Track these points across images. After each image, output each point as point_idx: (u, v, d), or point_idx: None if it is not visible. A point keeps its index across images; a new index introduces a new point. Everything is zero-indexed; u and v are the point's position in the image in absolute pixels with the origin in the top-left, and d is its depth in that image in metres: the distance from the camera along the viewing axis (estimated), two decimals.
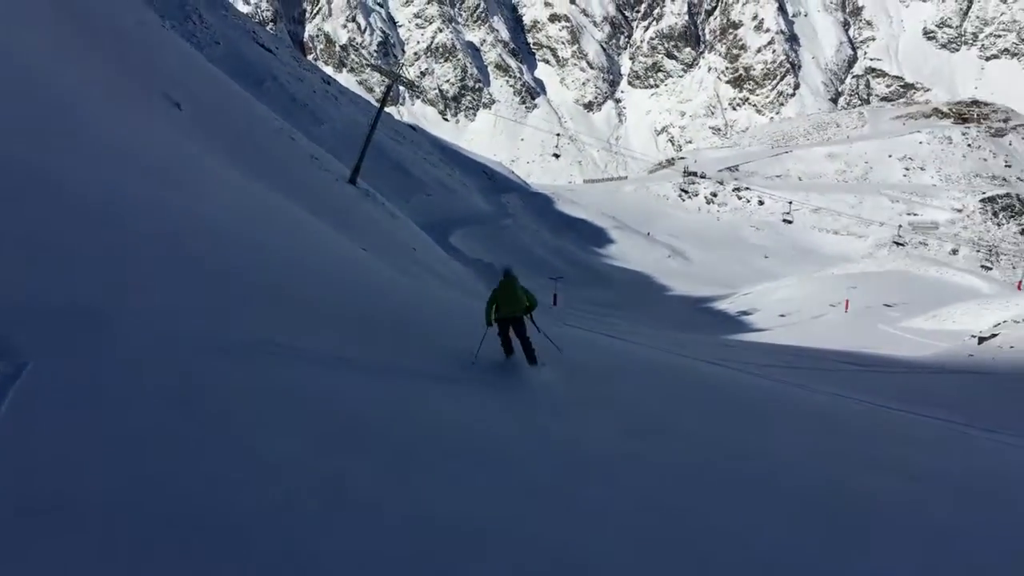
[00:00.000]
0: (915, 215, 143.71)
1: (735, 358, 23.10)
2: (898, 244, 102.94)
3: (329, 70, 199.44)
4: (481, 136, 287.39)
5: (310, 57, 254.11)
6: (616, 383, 12.44)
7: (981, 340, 31.71)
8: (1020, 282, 73.62)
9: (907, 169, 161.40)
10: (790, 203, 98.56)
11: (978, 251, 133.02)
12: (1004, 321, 33.21)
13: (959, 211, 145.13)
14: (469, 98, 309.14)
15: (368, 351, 8.79)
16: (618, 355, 16.66)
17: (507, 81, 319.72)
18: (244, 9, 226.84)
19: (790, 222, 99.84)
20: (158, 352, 5.67)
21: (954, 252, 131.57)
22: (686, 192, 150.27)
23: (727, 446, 8.97)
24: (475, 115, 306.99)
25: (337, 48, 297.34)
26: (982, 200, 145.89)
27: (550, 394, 9.45)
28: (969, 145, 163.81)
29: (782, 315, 56.83)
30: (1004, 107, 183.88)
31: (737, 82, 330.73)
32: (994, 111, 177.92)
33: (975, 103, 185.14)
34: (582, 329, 22.90)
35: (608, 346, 18.54)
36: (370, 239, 32.25)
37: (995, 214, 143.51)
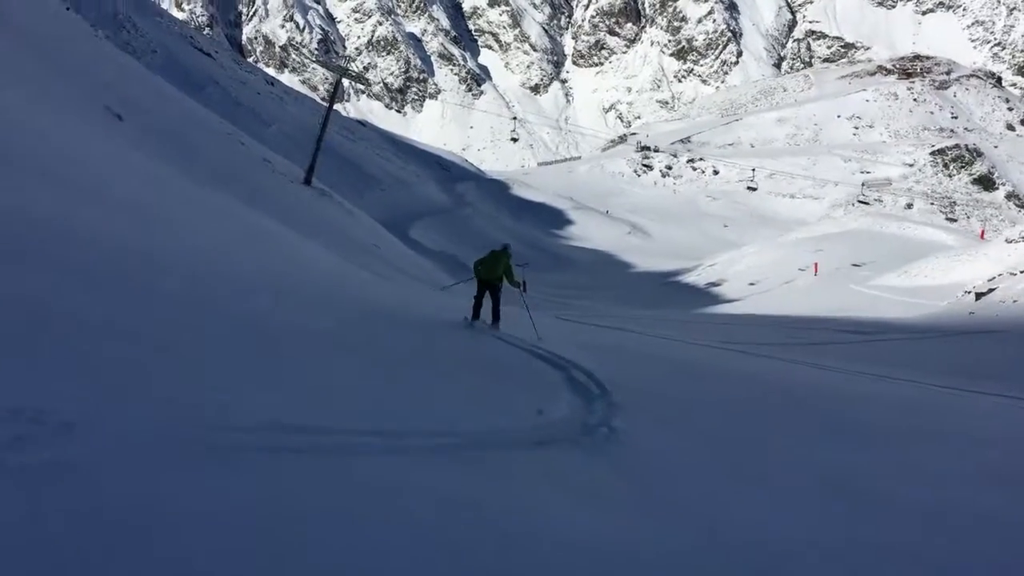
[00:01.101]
0: (868, 173, 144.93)
1: (740, 339, 21.91)
2: (863, 203, 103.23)
3: (271, 71, 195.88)
4: (430, 126, 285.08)
5: (250, 60, 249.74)
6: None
7: (979, 296, 31.06)
8: (983, 231, 74.34)
9: (856, 128, 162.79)
10: (753, 170, 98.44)
11: (932, 204, 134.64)
12: (1000, 274, 32.62)
13: (910, 165, 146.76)
14: (415, 89, 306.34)
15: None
16: (644, 357, 15.09)
17: (451, 70, 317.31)
18: (179, 16, 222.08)
19: (754, 189, 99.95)
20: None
21: (909, 206, 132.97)
22: (648, 167, 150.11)
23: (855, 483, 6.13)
24: (422, 106, 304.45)
25: (277, 49, 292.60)
26: (932, 153, 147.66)
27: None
28: (915, 100, 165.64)
29: (752, 283, 56.64)
30: (946, 59, 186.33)
31: (680, 54, 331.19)
32: (936, 64, 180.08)
33: (917, 58, 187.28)
34: (570, 321, 21.83)
35: (615, 344, 17.21)
36: (333, 240, 31.24)
37: (946, 166, 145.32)
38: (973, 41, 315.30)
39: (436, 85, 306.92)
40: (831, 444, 7.21)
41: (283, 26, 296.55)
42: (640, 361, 13.46)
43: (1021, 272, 30.85)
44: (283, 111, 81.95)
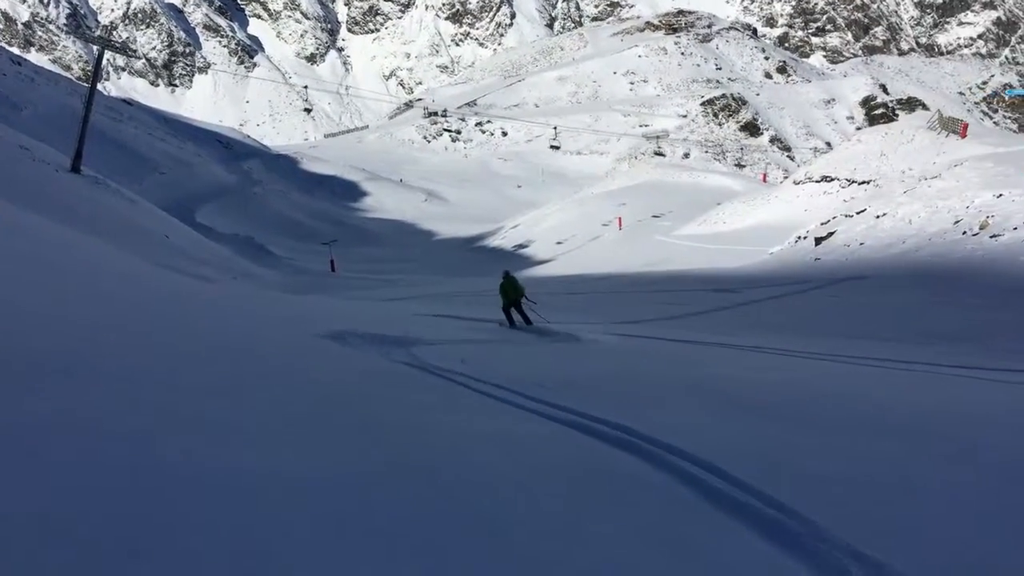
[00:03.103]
0: (647, 126, 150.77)
1: (605, 313, 20.48)
2: (659, 155, 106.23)
3: (15, 52, 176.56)
4: (203, 103, 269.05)
5: None
6: None
7: (819, 240, 31.19)
8: (764, 175, 78.40)
9: (632, 83, 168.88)
10: (555, 128, 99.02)
11: (706, 151, 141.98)
12: (834, 217, 33.29)
13: (684, 116, 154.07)
14: (181, 64, 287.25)
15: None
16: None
17: (220, 42, 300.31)
18: None
19: (557, 147, 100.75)
20: None
21: (686, 155, 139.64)
22: (456, 134, 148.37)
23: None
24: (191, 82, 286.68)
25: (20, 26, 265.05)
26: (702, 103, 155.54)
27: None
28: (682, 54, 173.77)
29: (559, 242, 56.62)
30: (707, 14, 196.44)
31: (456, 17, 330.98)
32: (699, 19, 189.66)
33: (680, 13, 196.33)
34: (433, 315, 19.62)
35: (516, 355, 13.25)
36: (114, 232, 27.54)
37: (715, 115, 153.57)
38: None
39: (204, 59, 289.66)
40: None
41: (24, 1, 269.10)
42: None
43: (858, 213, 31.55)
44: (36, 93, 73.31)
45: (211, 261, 32.48)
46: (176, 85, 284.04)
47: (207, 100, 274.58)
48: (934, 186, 29.45)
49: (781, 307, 21.23)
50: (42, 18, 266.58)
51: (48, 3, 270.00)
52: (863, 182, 39.18)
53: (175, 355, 7.39)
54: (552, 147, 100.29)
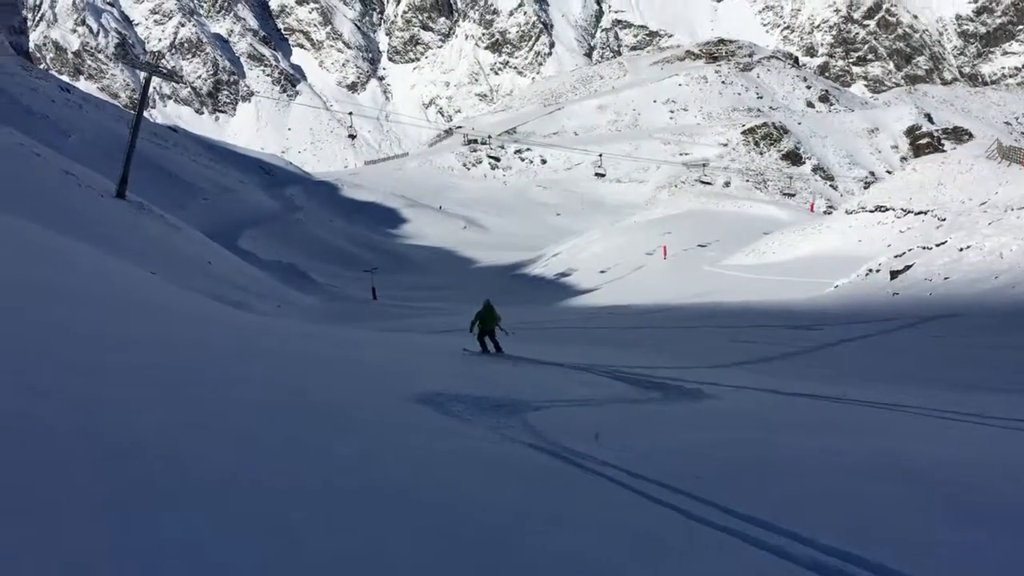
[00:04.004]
0: (686, 154, 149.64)
1: (691, 355, 18.47)
2: (704, 183, 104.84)
3: (65, 79, 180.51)
4: (246, 130, 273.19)
5: (40, 68, 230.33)
6: None
7: (894, 274, 29.81)
8: (812, 204, 77.00)
9: (672, 112, 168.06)
10: (600, 155, 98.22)
11: (747, 180, 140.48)
12: (910, 249, 32.05)
13: (725, 145, 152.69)
14: (226, 93, 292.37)
15: None
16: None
17: (263, 71, 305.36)
18: None
19: (603, 175, 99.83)
20: None
21: (727, 184, 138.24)
22: (494, 160, 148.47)
23: None
24: (235, 110, 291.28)
25: (70, 55, 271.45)
26: (743, 132, 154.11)
27: None
28: (723, 82, 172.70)
29: (602, 271, 55.81)
30: (747, 43, 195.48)
31: (495, 47, 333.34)
32: (739, 47, 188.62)
33: (721, 42, 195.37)
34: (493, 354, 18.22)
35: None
36: (156, 259, 27.32)
37: (756, 144, 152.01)
38: (765, 25, 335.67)
39: (248, 87, 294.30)
40: None
41: (75, 31, 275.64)
42: None
43: (938, 246, 30.19)
44: (83, 119, 74.40)
45: (253, 288, 32.17)
46: (222, 112, 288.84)
47: (250, 127, 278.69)
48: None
49: (876, 348, 19.57)
50: (92, 47, 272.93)
51: (98, 33, 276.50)
52: (920, 212, 38.01)
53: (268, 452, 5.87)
54: (597, 174, 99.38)
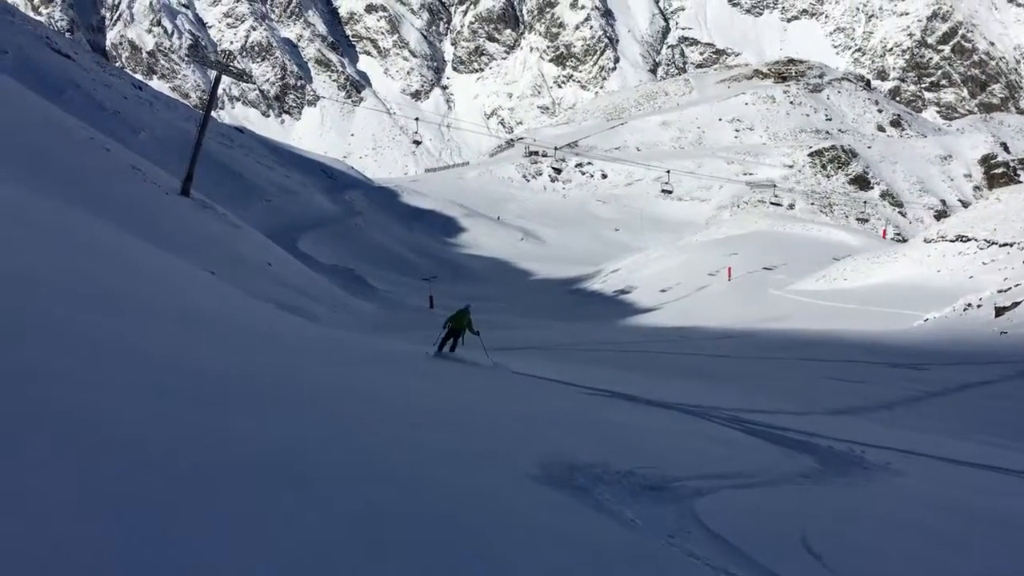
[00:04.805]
0: (751, 174, 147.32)
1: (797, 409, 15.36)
2: (776, 204, 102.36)
3: (139, 78, 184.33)
4: (310, 134, 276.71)
5: (116, 66, 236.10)
6: None
7: (1001, 311, 28.10)
8: (884, 231, 74.93)
9: (737, 131, 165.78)
10: (668, 172, 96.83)
11: (812, 203, 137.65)
12: (1018, 284, 30.37)
13: (790, 167, 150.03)
14: (292, 96, 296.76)
15: None
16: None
17: (330, 76, 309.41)
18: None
19: (670, 191, 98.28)
20: None
21: (791, 207, 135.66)
22: (556, 173, 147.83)
23: None
24: (301, 113, 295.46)
25: (144, 55, 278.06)
26: (810, 154, 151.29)
27: None
28: (791, 103, 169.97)
29: (663, 290, 54.60)
30: (818, 63, 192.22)
31: (559, 60, 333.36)
32: (809, 68, 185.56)
33: (791, 62, 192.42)
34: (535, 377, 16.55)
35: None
36: (217, 258, 27.08)
37: (823, 166, 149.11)
38: (836, 47, 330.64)
39: (314, 92, 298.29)
40: None
41: (150, 31, 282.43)
42: None
43: None
44: (153, 116, 75.53)
45: (311, 291, 31.83)
46: (289, 113, 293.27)
47: (314, 131, 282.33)
48: None
49: (1004, 397, 17.73)
50: (166, 48, 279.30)
51: (172, 34, 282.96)
52: (1004, 244, 36.28)
53: None
54: (664, 191, 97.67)
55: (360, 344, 18.08)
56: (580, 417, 11.74)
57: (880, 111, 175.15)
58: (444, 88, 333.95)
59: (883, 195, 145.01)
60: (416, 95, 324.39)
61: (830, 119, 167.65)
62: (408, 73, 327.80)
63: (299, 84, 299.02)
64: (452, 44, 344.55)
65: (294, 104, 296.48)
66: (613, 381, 16.31)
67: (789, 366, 22.80)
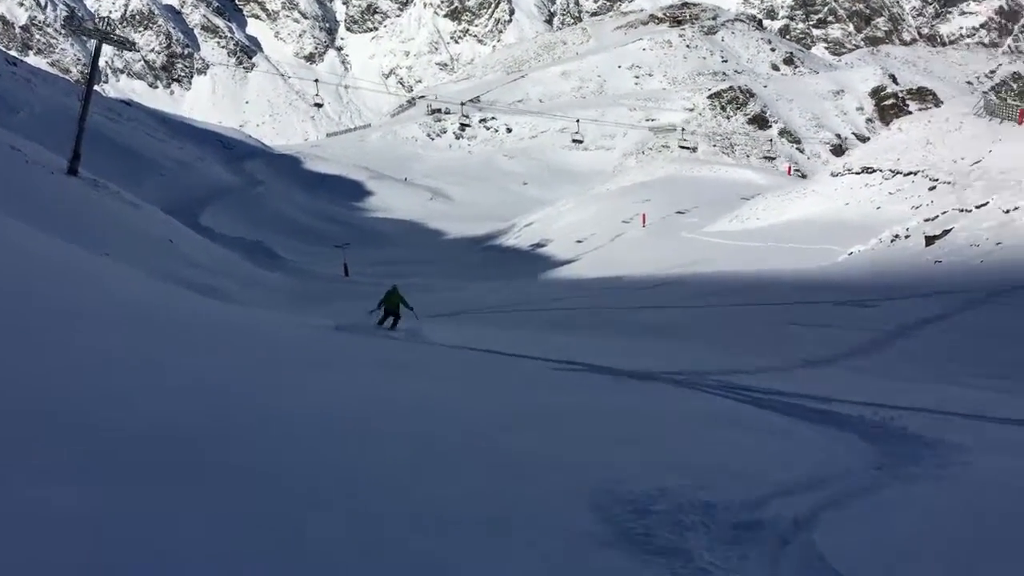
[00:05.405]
0: (653, 120, 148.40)
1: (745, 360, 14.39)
2: (685, 148, 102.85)
3: (13, 55, 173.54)
4: (202, 104, 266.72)
5: None
6: None
7: (930, 239, 28.18)
8: (789, 167, 76.17)
9: (637, 77, 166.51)
10: (577, 121, 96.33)
11: (714, 145, 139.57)
12: (944, 212, 30.55)
13: (691, 110, 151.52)
14: (181, 65, 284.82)
15: None
16: None
17: (218, 43, 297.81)
18: None
19: (581, 141, 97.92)
20: None
21: (693, 150, 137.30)
22: (462, 129, 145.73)
23: None
24: (191, 83, 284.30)
25: (17, 30, 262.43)
26: (709, 97, 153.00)
27: None
28: (687, 46, 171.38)
29: (579, 241, 54.41)
30: (711, 5, 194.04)
31: (454, 15, 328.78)
32: (703, 10, 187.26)
33: (685, 5, 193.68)
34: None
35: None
36: (114, 240, 25.46)
37: (723, 108, 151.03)
38: None
39: (203, 60, 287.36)
40: None
41: (21, 3, 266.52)
42: None
43: (977, 208, 28.57)
44: (32, 94, 71.21)
45: (219, 268, 30.37)
46: (179, 83, 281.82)
47: (206, 101, 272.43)
48: None
49: (970, 331, 16.96)
50: (40, 21, 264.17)
51: (45, 6, 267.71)
52: (909, 173, 36.99)
53: None
54: (575, 141, 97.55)
55: (295, 332, 16.62)
56: (580, 411, 9.45)
57: (773, 50, 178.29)
58: (339, 50, 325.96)
59: (781, 133, 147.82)
60: (310, 58, 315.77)
61: (726, 61, 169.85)
62: (300, 35, 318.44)
63: (186, 52, 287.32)
64: (344, 3, 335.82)
65: (183, 73, 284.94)
66: (575, 349, 15.34)
67: (741, 313, 22.37)
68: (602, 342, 17.65)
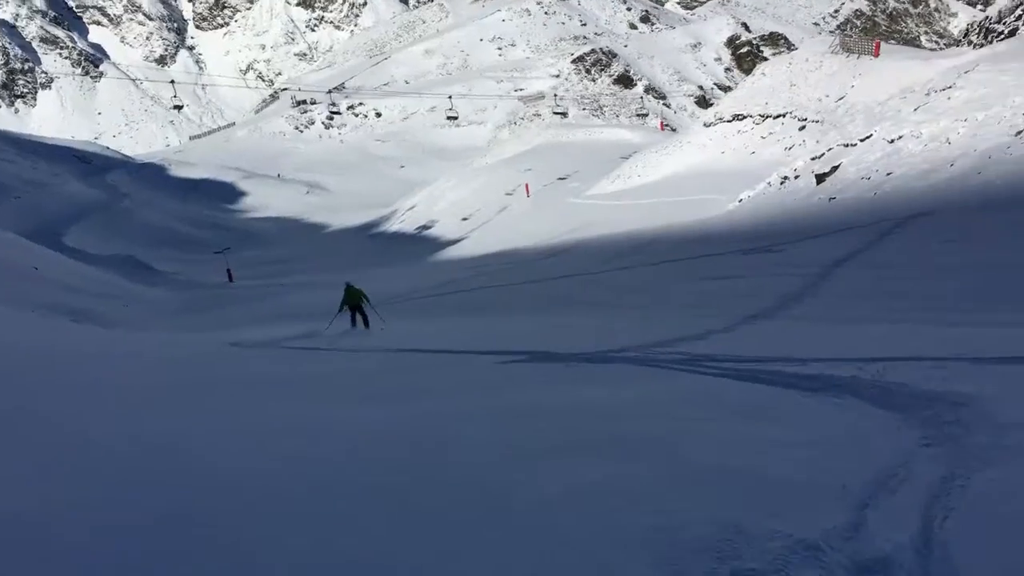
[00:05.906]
0: (521, 90, 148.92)
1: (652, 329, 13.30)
2: (560, 114, 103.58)
3: None
4: (51, 120, 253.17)
5: None
6: None
7: (821, 177, 28.37)
8: (661, 123, 77.55)
9: (500, 49, 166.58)
10: (450, 98, 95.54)
11: (583, 108, 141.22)
12: (830, 148, 30.93)
13: (557, 76, 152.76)
14: (22, 82, 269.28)
15: None
16: None
17: (60, 54, 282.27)
18: None
19: (455, 117, 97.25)
20: None
21: (564, 115, 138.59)
22: (331, 119, 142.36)
23: None
24: (35, 98, 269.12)
25: None
26: (573, 61, 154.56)
27: None
28: (546, 13, 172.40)
29: (465, 218, 54.09)
30: None
31: (307, 3, 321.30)
32: None
33: None
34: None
35: None
36: None
37: (587, 71, 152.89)
38: None
39: (46, 73, 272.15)
40: None
41: None
42: None
43: (862, 141, 28.99)
44: None
45: (92, 289, 28.75)
46: (21, 99, 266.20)
47: (55, 116, 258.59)
48: (956, 97, 26.79)
49: (890, 264, 16.44)
50: None
51: None
52: (778, 115, 38.08)
53: None
54: (450, 118, 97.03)
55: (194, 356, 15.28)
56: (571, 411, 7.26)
57: (629, 9, 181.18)
58: (191, 49, 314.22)
59: (647, 90, 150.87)
60: (161, 60, 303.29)
61: (585, 24, 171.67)
62: (147, 38, 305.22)
63: (27, 67, 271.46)
64: (189, 1, 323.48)
65: (26, 89, 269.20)
66: (504, 335, 14.22)
67: (651, 274, 21.68)
68: (526, 322, 16.40)
